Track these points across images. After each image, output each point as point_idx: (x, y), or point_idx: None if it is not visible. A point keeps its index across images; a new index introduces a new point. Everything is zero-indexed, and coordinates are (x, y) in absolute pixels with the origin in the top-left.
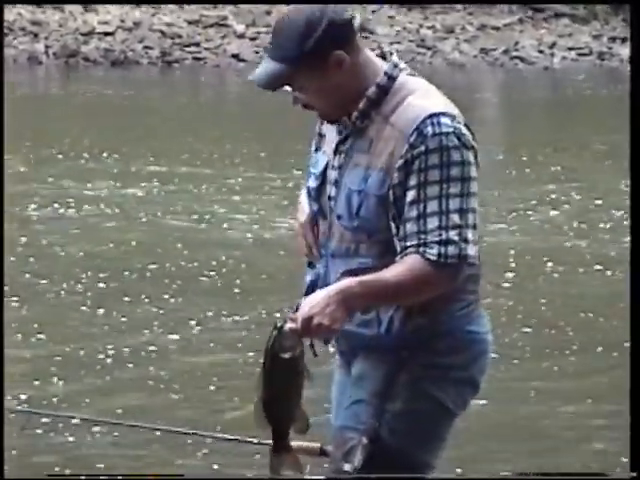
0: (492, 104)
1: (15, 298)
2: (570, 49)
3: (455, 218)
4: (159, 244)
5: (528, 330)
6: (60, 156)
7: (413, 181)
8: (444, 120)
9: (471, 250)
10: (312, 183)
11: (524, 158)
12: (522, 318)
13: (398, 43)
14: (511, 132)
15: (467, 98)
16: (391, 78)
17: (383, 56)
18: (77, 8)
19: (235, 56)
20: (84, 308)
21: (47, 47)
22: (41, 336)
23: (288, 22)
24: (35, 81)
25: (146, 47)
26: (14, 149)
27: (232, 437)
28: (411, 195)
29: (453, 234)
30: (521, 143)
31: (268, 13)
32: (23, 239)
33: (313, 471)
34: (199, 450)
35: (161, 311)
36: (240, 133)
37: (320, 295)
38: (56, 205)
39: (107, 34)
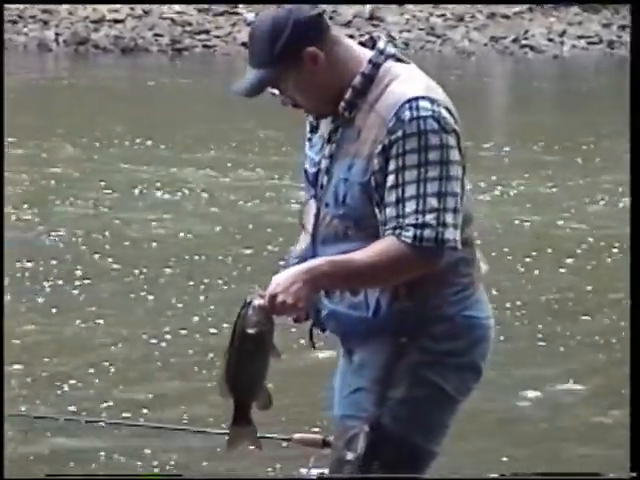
0: (502, 92)
1: (87, 281)
2: (580, 37)
3: (432, 202)
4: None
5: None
6: (97, 143)
7: (392, 166)
8: (423, 104)
9: (449, 234)
10: (310, 168)
11: (558, 147)
12: None
13: (408, 31)
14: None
15: (476, 86)
16: (376, 65)
17: (374, 43)
18: None
19: (245, 44)
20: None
21: (57, 34)
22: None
23: (258, 29)
24: (45, 68)
25: (156, 35)
26: (49, 136)
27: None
28: (390, 180)
29: (430, 218)
30: (534, 133)
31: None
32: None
33: (316, 464)
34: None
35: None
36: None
37: (288, 273)
38: (136, 191)
39: (117, 21)
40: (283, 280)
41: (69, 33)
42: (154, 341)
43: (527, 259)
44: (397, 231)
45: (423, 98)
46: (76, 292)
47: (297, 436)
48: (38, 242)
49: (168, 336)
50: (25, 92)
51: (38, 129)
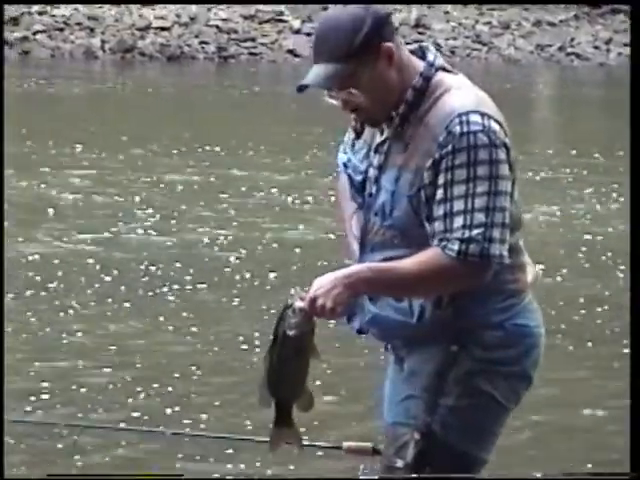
0: (549, 100)
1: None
2: (626, 45)
3: (480, 217)
4: None
5: None
6: (175, 150)
7: (441, 180)
8: (473, 118)
9: (496, 249)
10: (355, 176)
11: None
12: None
13: (454, 39)
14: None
15: (523, 94)
16: (426, 79)
17: (422, 52)
18: (133, 3)
19: (291, 51)
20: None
21: (103, 42)
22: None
23: (334, 22)
24: (94, 75)
25: (202, 42)
26: (128, 145)
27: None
28: (439, 194)
29: (476, 233)
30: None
31: (324, 9)
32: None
33: (366, 472)
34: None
35: None
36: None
37: (330, 277)
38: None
39: (163, 29)
40: (324, 283)
41: (115, 41)
42: (245, 347)
43: None
44: (443, 243)
45: (474, 112)
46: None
47: (347, 444)
48: (165, 245)
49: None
50: (80, 100)
51: (109, 136)
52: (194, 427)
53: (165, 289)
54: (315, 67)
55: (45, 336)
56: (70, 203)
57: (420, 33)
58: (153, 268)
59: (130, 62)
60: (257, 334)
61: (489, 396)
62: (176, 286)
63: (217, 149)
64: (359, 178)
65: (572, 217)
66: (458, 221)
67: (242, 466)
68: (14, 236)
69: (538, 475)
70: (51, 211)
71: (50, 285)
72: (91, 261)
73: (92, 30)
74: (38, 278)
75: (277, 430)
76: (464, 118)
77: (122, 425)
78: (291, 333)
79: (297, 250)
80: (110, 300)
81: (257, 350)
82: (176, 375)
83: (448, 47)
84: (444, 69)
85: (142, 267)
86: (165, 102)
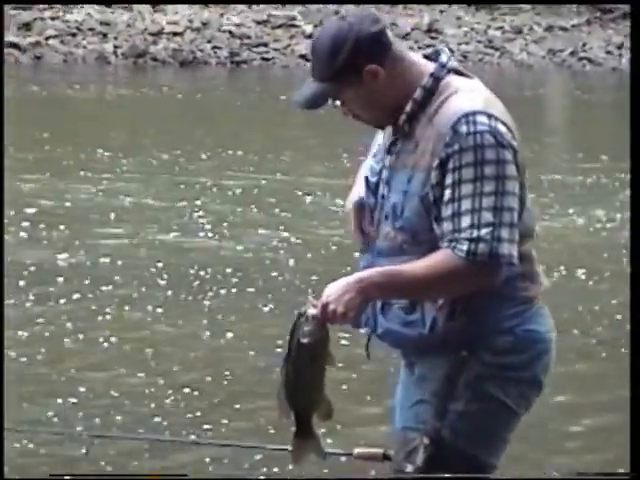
0: (562, 104)
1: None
2: None
3: (488, 216)
4: None
5: None
6: (204, 155)
7: (448, 180)
8: (480, 119)
9: (504, 249)
10: (371, 177)
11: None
12: None
13: (466, 44)
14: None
15: (534, 99)
16: (437, 79)
17: (437, 54)
18: (146, 8)
19: (303, 56)
20: None
21: (116, 47)
22: None
23: (319, 42)
24: (108, 80)
25: (215, 47)
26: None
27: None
28: (447, 194)
29: (485, 232)
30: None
31: (336, 13)
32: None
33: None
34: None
35: None
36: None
37: (341, 282)
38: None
39: (175, 34)
40: (335, 289)
41: (127, 46)
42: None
43: None
44: (452, 244)
45: (480, 113)
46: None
47: (358, 451)
48: (221, 250)
49: None
50: (95, 104)
51: (132, 140)
52: (231, 434)
53: (211, 293)
54: (308, 81)
55: (90, 339)
56: (128, 207)
57: (432, 38)
58: (202, 272)
59: (142, 67)
60: None
61: (499, 401)
62: (223, 291)
63: (241, 153)
64: (374, 179)
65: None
66: (466, 221)
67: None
68: (75, 239)
69: (538, 475)
70: (112, 215)
71: (105, 288)
72: (145, 263)
73: (105, 35)
74: (91, 281)
75: (298, 441)
76: (471, 118)
77: (138, 433)
78: (305, 341)
79: (356, 254)
80: (159, 303)
81: None
82: (226, 376)
83: (460, 52)
84: (458, 72)
85: (192, 271)
86: (181, 107)
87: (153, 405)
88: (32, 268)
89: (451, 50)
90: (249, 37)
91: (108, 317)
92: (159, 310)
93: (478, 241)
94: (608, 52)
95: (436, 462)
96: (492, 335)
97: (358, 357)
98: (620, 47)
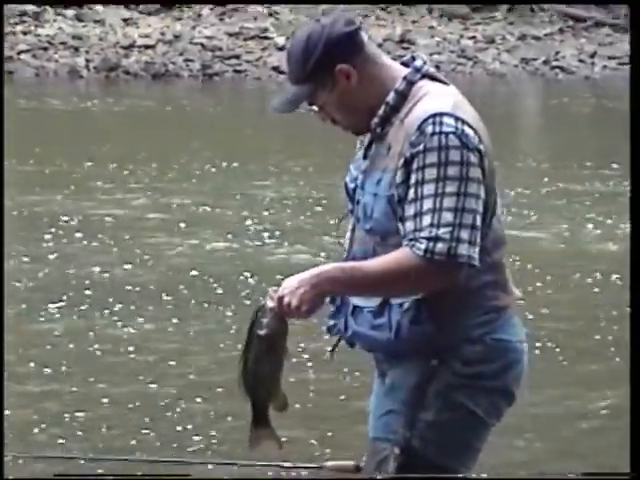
0: (533, 113)
1: None
2: (611, 58)
3: (448, 216)
4: None
5: None
6: (214, 168)
7: (412, 179)
8: (447, 120)
9: (463, 249)
10: (350, 183)
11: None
12: None
13: (439, 54)
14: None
15: (508, 108)
16: (410, 83)
17: (413, 59)
18: (117, 21)
19: (276, 68)
20: None
21: (88, 61)
22: None
23: (294, 46)
24: (80, 94)
25: (187, 60)
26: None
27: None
28: (410, 194)
29: (443, 231)
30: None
31: (319, 20)
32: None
33: None
34: None
35: None
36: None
37: (299, 276)
38: None
39: (147, 47)
40: (291, 283)
41: (99, 59)
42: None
43: None
44: (411, 242)
45: (447, 114)
46: None
47: (329, 464)
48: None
49: None
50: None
51: (132, 152)
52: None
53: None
54: (287, 87)
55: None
56: (176, 218)
57: (405, 48)
58: (252, 280)
59: (115, 81)
60: None
61: (469, 411)
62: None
63: (254, 166)
64: (352, 185)
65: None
66: (426, 220)
67: None
68: (126, 250)
69: (538, 475)
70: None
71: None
72: (195, 273)
73: (76, 49)
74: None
75: (255, 430)
76: (437, 119)
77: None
78: (262, 333)
79: None
80: (205, 312)
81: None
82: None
83: (433, 62)
84: (432, 77)
85: (242, 278)
86: (161, 120)
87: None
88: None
89: None
90: (221, 49)
91: (192, 334)
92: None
93: (436, 240)
94: (581, 60)
95: (406, 472)
96: (462, 344)
97: None
98: (592, 56)
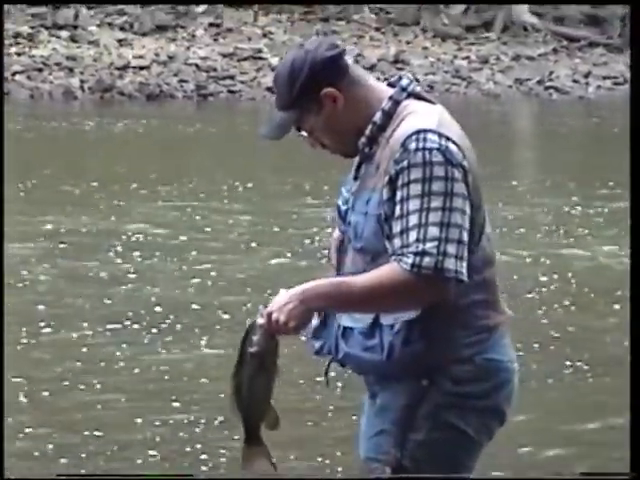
0: (527, 134)
1: None
2: (605, 78)
3: (434, 231)
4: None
5: None
6: (242, 188)
7: (398, 196)
8: (430, 136)
9: (450, 264)
10: (342, 205)
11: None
12: None
13: (433, 74)
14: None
15: (502, 128)
16: (396, 102)
17: (399, 79)
18: (112, 42)
19: (270, 89)
20: None
21: (82, 82)
22: None
23: (279, 71)
24: (75, 115)
25: (181, 80)
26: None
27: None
28: (397, 211)
29: (430, 246)
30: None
31: (303, 45)
32: None
33: None
34: None
35: None
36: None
37: (288, 292)
38: None
39: (142, 68)
40: (279, 299)
41: (94, 80)
42: None
43: None
44: (398, 257)
45: (431, 131)
46: None
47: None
48: None
49: None
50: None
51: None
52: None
53: None
54: (274, 113)
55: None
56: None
57: (399, 69)
58: None
59: (109, 101)
60: None
61: (459, 431)
62: None
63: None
64: (344, 207)
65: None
66: (412, 235)
67: None
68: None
69: (538, 475)
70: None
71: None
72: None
73: (71, 70)
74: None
75: (247, 449)
76: (421, 135)
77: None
78: (252, 350)
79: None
80: None
81: None
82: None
83: (427, 82)
84: (419, 97)
85: None
86: (162, 140)
87: None
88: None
89: (417, 80)
90: (215, 70)
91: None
92: None
93: (423, 255)
94: (575, 81)
95: None
96: (452, 364)
97: None
98: (587, 76)
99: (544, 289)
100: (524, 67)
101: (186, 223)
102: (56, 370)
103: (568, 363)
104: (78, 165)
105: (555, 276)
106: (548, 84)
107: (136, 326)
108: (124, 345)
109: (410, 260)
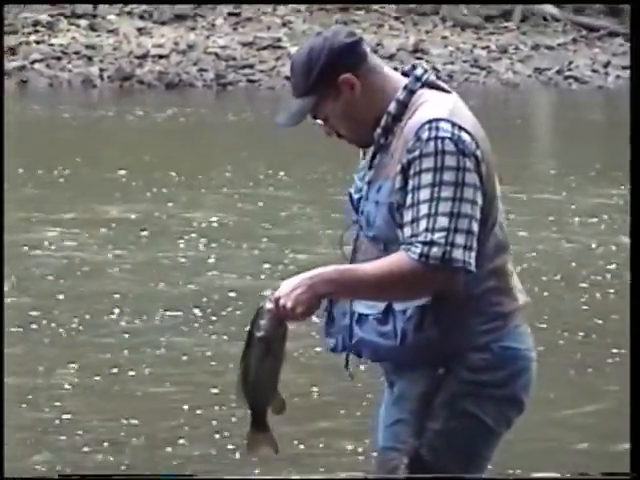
0: (546, 123)
1: None
2: (624, 68)
3: (443, 221)
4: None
5: None
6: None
7: (409, 185)
8: (443, 125)
9: (458, 254)
10: (355, 194)
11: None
12: None
13: (452, 64)
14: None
15: (521, 118)
16: (411, 92)
17: (413, 68)
18: (131, 31)
19: (289, 78)
20: None
21: (101, 70)
22: None
23: (296, 59)
24: (94, 104)
25: (201, 69)
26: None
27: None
28: (408, 200)
29: (439, 236)
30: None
31: (320, 34)
32: None
33: None
34: None
35: None
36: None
37: (296, 278)
38: None
39: (161, 57)
40: (287, 284)
41: (113, 69)
42: None
43: None
44: (407, 247)
45: (444, 120)
46: None
47: (341, 476)
48: None
49: None
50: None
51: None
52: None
53: None
54: (291, 101)
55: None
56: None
57: (418, 58)
58: None
59: (128, 90)
60: None
61: (477, 419)
62: None
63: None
64: (357, 196)
65: None
66: (422, 225)
67: None
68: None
69: (537, 475)
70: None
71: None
72: None
73: (90, 59)
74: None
75: (253, 434)
76: (434, 124)
77: None
78: (259, 335)
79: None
80: None
81: None
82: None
83: (446, 72)
84: (434, 86)
85: None
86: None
87: None
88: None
89: (436, 70)
90: (235, 59)
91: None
92: None
93: (431, 244)
94: (594, 70)
95: None
96: (468, 352)
97: None
98: (606, 65)
99: (599, 277)
100: (543, 57)
101: (243, 210)
102: (127, 356)
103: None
104: (103, 153)
105: (612, 266)
106: (567, 74)
107: (201, 313)
108: (190, 332)
109: (418, 250)
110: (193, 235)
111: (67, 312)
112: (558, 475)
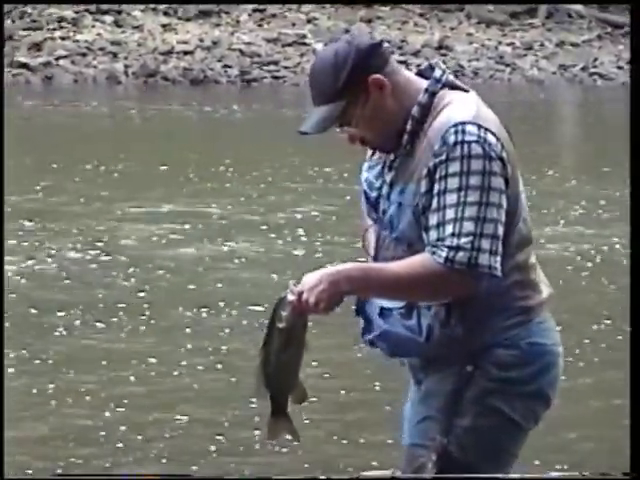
0: (572, 119)
1: None
2: None
3: (469, 226)
4: None
5: None
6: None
7: (435, 189)
8: (469, 128)
9: (484, 259)
10: (370, 192)
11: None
12: None
13: (477, 60)
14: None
15: (546, 115)
16: (432, 94)
17: (431, 69)
18: (156, 27)
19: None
20: None
21: (126, 67)
22: None
23: (320, 64)
24: (120, 99)
25: (225, 66)
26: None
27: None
28: (434, 203)
29: (465, 241)
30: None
31: (347, 31)
32: None
33: None
34: None
35: None
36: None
37: (319, 272)
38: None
39: (186, 53)
40: (310, 279)
41: (138, 65)
42: None
43: None
44: (433, 249)
45: (470, 123)
46: None
47: (365, 474)
48: None
49: None
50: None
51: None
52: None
53: None
54: (313, 110)
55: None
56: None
57: (443, 55)
58: None
59: (153, 86)
60: None
61: (505, 416)
62: None
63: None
64: (374, 195)
65: None
66: (448, 229)
67: None
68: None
69: (538, 475)
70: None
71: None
72: None
73: (115, 55)
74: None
75: (274, 422)
76: (460, 128)
77: None
78: (280, 325)
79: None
80: None
81: None
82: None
83: (471, 68)
84: (453, 86)
85: None
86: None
87: None
88: None
89: (461, 67)
90: (259, 55)
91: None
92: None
93: (457, 249)
94: (619, 67)
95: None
96: (496, 348)
97: None
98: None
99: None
100: (568, 53)
101: (311, 205)
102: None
103: None
104: (132, 148)
105: None
106: (592, 70)
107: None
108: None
109: (444, 254)
110: (260, 230)
111: None
112: (558, 475)
